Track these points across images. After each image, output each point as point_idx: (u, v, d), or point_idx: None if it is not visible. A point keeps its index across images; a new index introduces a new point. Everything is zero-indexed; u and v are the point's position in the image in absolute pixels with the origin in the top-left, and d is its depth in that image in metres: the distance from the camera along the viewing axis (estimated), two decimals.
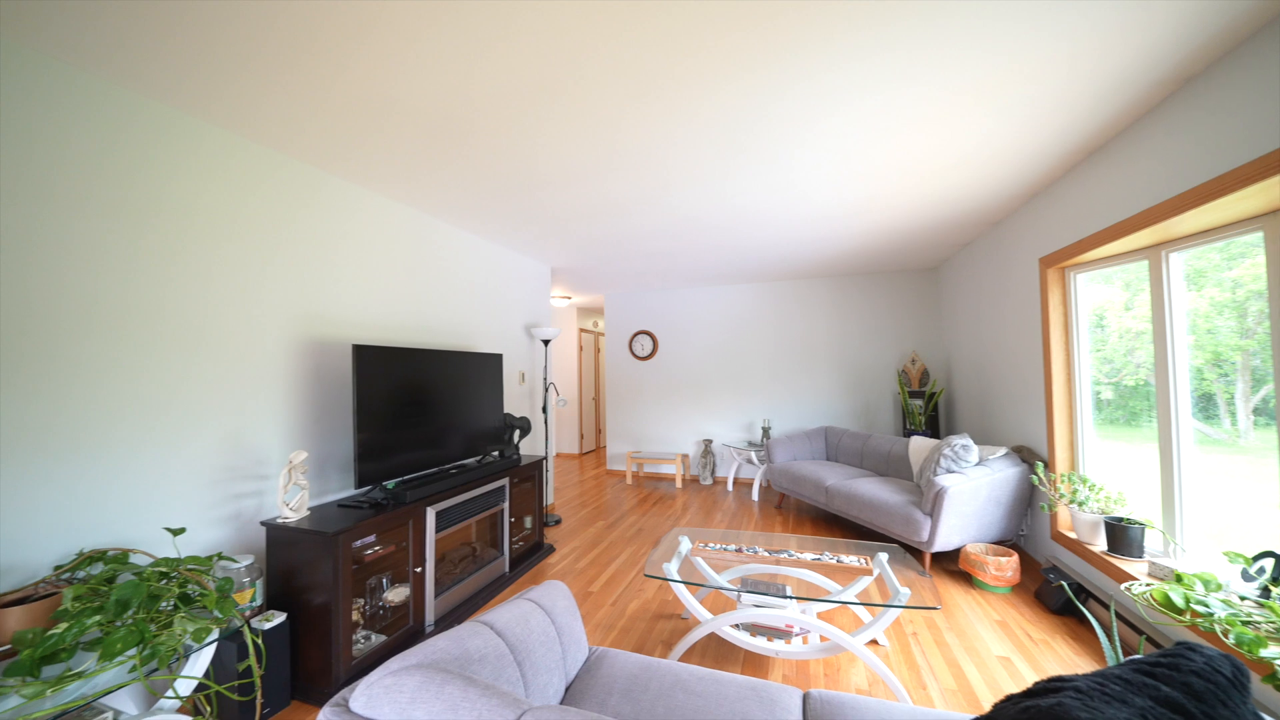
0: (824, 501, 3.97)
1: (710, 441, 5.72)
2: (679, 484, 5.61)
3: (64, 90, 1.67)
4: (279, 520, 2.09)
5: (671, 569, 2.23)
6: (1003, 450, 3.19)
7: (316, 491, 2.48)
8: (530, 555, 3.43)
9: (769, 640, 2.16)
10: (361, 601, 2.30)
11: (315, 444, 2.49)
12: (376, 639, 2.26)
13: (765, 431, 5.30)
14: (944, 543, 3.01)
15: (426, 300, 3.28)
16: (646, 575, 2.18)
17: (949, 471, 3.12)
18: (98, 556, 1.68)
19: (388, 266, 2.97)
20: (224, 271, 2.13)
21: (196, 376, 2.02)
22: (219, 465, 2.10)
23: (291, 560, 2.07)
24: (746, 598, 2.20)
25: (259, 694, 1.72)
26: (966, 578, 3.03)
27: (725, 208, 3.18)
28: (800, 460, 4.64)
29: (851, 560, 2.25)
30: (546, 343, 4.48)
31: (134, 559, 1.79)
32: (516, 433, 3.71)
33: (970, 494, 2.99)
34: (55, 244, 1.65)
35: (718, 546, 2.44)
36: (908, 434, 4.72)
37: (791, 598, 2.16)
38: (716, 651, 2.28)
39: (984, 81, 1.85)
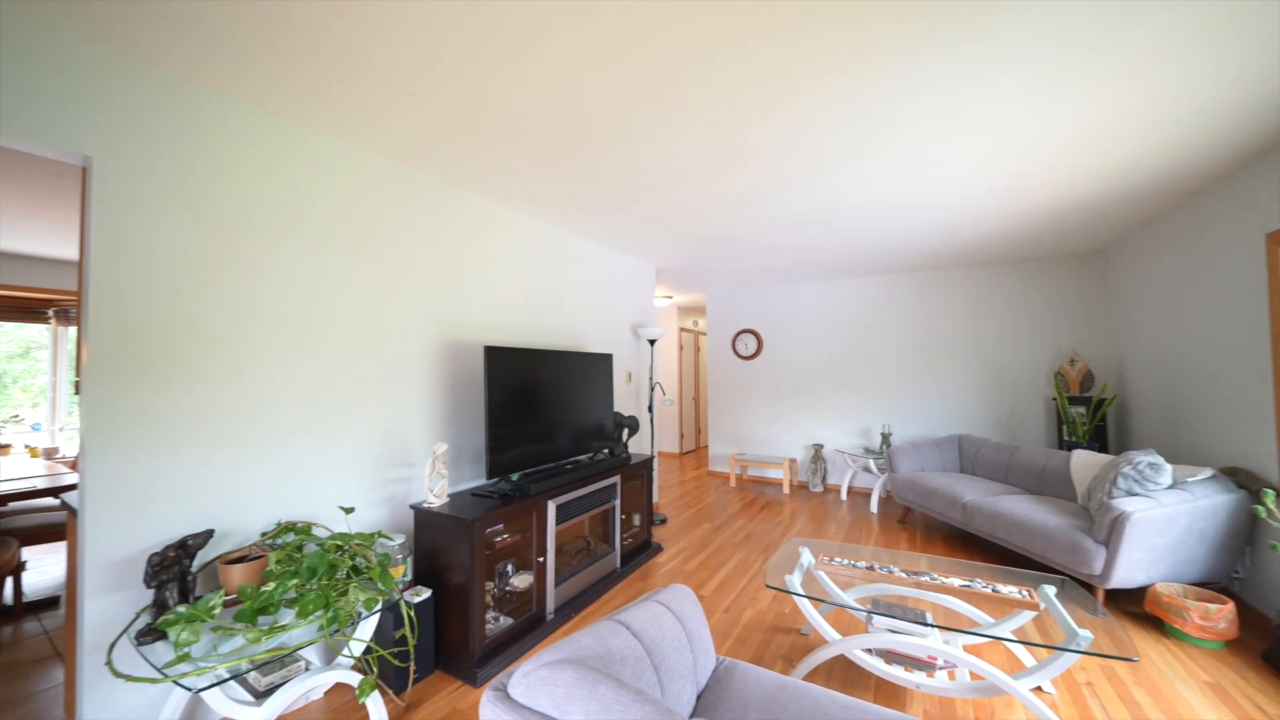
0: (959, 519, 3.55)
1: (821, 446, 5.40)
2: (786, 490, 5.37)
3: (248, 129, 1.99)
4: (425, 505, 2.31)
5: (794, 581, 2.11)
6: (1207, 472, 2.61)
7: (452, 480, 2.72)
8: (639, 553, 3.47)
9: (907, 670, 1.96)
10: (491, 584, 2.47)
11: (451, 437, 2.73)
12: (504, 621, 2.41)
13: (885, 438, 4.88)
14: (1124, 579, 2.52)
15: (542, 303, 3.45)
16: (767, 586, 2.08)
17: (1131, 494, 2.62)
18: (289, 527, 1.97)
19: (509, 272, 3.18)
20: (379, 284, 2.40)
21: (360, 375, 2.31)
22: (377, 453, 2.37)
23: (435, 541, 2.27)
24: (879, 621, 2.02)
25: (413, 661, 1.90)
26: (1155, 623, 2.52)
27: (850, 197, 2.96)
28: (929, 471, 4.20)
29: (1010, 590, 1.96)
30: (652, 342, 4.51)
31: (315, 531, 2.08)
32: (625, 431, 3.77)
33: (1162, 523, 2.47)
34: (259, 264, 1.97)
35: (845, 562, 2.27)
36: (1067, 447, 4.07)
37: (933, 626, 1.94)
38: (843, 675, 2.12)
39: (1179, 28, 1.50)
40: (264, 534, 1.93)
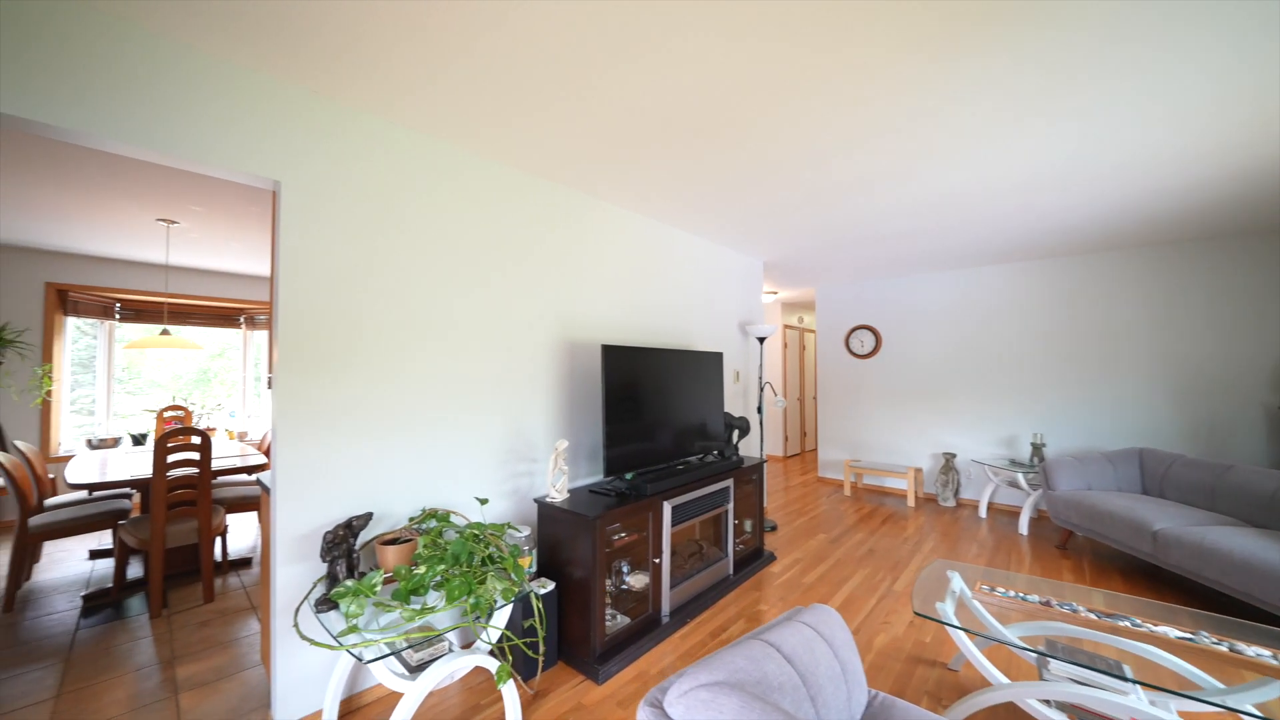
0: (1147, 551, 2.95)
1: (953, 456, 4.82)
2: (911, 502, 4.87)
3: (397, 147, 2.15)
4: (548, 499, 2.38)
5: (947, 611, 1.85)
6: None
7: (570, 476, 2.78)
8: (752, 560, 3.32)
9: None
10: (609, 582, 2.48)
11: (569, 434, 2.80)
12: (621, 620, 2.41)
13: (1037, 449, 4.22)
14: None
15: (652, 301, 3.43)
16: (916, 614, 1.85)
17: None
18: (432, 514, 2.12)
19: (620, 270, 3.19)
20: (505, 286, 2.51)
21: (490, 375, 2.43)
22: (505, 448, 2.49)
23: (557, 535, 2.33)
24: (1057, 667, 1.70)
25: (542, 651, 1.95)
26: None
27: (1000, 172, 2.57)
28: (1099, 490, 3.55)
29: (1256, 653, 1.55)
30: (762, 340, 4.32)
31: (453, 519, 2.22)
32: (735, 433, 3.63)
33: None
34: (409, 272, 2.14)
35: (1013, 594, 1.95)
36: None
37: (1135, 681, 1.59)
38: None
39: None
40: (411, 519, 2.09)
